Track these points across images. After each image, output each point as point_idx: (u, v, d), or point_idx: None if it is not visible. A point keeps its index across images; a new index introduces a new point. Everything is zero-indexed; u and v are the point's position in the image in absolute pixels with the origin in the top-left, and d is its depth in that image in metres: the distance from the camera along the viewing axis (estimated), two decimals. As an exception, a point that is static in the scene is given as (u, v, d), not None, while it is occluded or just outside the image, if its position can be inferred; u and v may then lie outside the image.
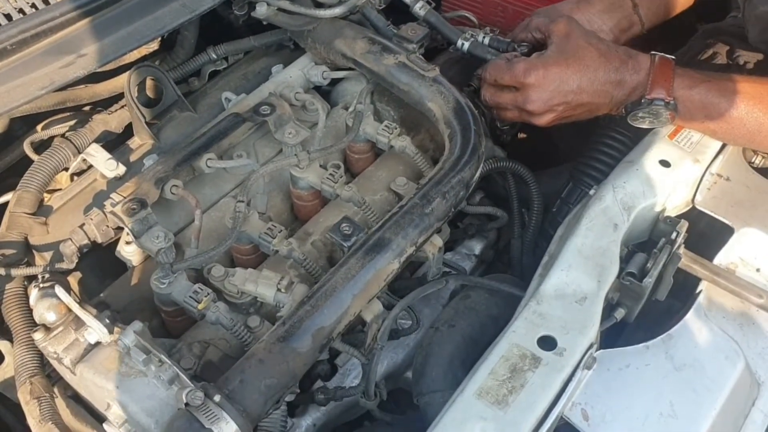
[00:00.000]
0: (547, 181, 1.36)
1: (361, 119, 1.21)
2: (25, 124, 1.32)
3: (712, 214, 1.14)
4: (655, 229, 1.12)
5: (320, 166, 1.17)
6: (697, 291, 1.08)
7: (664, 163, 1.13)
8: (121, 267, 1.15)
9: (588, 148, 1.30)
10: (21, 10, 1.01)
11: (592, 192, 1.12)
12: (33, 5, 1.02)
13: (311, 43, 1.31)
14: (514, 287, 1.15)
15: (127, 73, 1.24)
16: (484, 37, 1.30)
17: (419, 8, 1.31)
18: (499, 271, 1.36)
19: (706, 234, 1.16)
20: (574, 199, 1.27)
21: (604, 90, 1.15)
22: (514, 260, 1.33)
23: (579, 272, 1.01)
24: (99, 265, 1.17)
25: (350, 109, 1.26)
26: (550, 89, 1.15)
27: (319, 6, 1.34)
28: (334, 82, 1.38)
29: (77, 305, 0.95)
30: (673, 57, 1.15)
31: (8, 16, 1.00)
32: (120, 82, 1.33)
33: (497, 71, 1.20)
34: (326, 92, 1.39)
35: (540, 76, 1.15)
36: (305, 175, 1.15)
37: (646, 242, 1.13)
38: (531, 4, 1.62)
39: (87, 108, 1.38)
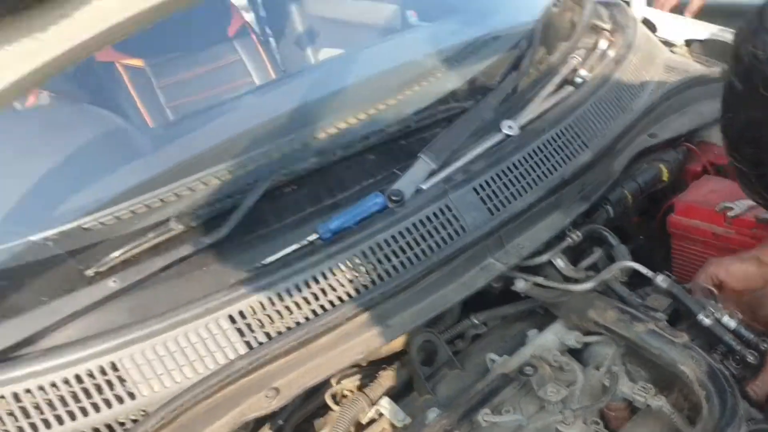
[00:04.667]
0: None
1: (617, 380, 1.35)
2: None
3: None
4: None
5: (582, 422, 1.30)
6: None
7: None
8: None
9: None
10: (340, 298, 1.36)
11: None
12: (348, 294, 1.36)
13: (564, 312, 1.53)
14: None
15: (410, 337, 1.52)
16: (729, 320, 1.42)
17: (661, 281, 1.48)
18: None
19: None
20: None
21: None
22: None
23: None
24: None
25: (603, 370, 1.41)
26: None
27: (568, 280, 1.56)
28: (584, 344, 1.55)
29: None
30: None
31: (331, 303, 1.35)
32: (395, 344, 1.60)
33: None
34: (577, 353, 1.56)
35: None
36: (570, 431, 1.29)
37: None
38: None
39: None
